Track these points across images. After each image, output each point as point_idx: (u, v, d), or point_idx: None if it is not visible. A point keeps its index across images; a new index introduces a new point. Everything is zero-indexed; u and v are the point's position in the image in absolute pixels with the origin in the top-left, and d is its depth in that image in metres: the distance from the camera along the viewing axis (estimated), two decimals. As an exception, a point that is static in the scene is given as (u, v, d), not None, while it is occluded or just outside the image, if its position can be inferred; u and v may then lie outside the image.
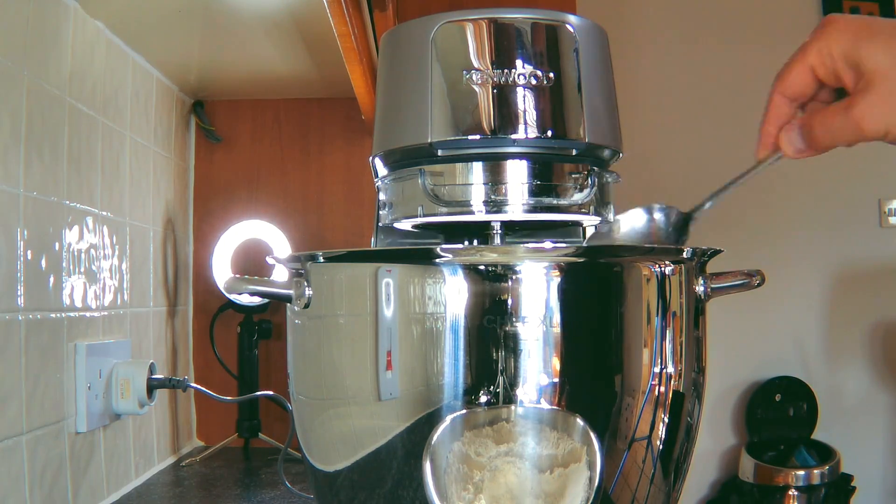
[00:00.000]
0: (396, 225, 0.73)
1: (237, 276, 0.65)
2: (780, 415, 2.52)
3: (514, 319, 0.57)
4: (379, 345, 0.59)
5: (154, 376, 1.18)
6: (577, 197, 0.67)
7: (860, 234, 2.65)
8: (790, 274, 2.62)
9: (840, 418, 2.56)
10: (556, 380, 0.57)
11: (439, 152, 0.67)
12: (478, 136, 0.65)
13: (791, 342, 2.62)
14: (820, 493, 2.29)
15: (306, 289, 0.63)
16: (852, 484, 2.36)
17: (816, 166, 2.63)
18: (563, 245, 0.70)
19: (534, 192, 0.66)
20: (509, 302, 0.57)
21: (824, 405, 2.53)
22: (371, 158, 0.73)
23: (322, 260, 0.63)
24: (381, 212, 0.73)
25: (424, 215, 0.68)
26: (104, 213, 1.14)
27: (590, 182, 0.68)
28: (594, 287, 0.60)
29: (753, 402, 2.55)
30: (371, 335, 0.59)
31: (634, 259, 0.61)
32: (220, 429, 1.52)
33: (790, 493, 2.29)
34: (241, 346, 1.49)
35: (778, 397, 2.53)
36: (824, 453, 2.39)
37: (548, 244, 0.68)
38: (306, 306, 0.63)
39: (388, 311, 0.58)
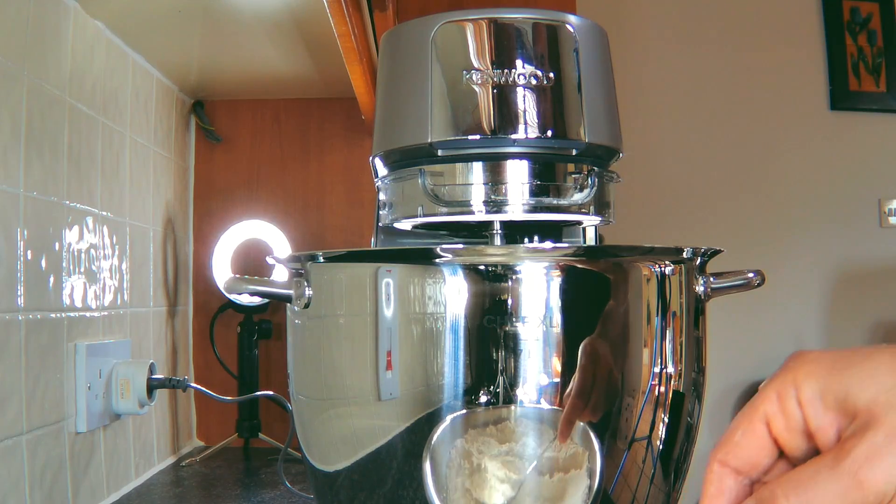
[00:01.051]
0: (396, 225, 0.73)
1: (237, 276, 0.65)
2: (780, 415, 2.51)
3: (514, 319, 0.57)
4: (379, 345, 0.59)
5: (154, 376, 1.17)
6: (578, 197, 0.67)
7: (860, 234, 2.65)
8: (790, 274, 2.62)
9: (840, 418, 2.56)
10: (557, 380, 0.57)
11: (439, 152, 0.67)
12: (478, 136, 0.65)
13: (791, 342, 2.62)
14: (820, 493, 2.29)
15: (306, 289, 0.63)
16: (852, 484, 2.36)
17: (816, 166, 2.63)
18: (563, 245, 0.70)
19: (534, 191, 0.66)
20: (509, 302, 0.57)
21: (824, 405, 2.53)
22: (371, 158, 0.73)
23: (322, 260, 0.63)
24: (381, 212, 0.73)
25: (424, 215, 0.68)
26: (104, 213, 1.14)
27: (590, 182, 0.68)
28: (594, 287, 0.60)
29: (753, 402, 2.55)
30: (371, 335, 0.59)
31: (634, 259, 0.61)
32: (220, 429, 1.52)
33: (790, 493, 2.28)
34: (241, 346, 1.49)
35: (778, 397, 2.53)
36: (824, 453, 2.39)
37: (548, 244, 0.68)
38: (306, 306, 0.63)
39: (388, 311, 0.59)
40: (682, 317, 0.63)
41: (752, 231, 2.60)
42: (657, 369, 0.61)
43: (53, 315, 0.97)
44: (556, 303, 0.57)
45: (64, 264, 1.00)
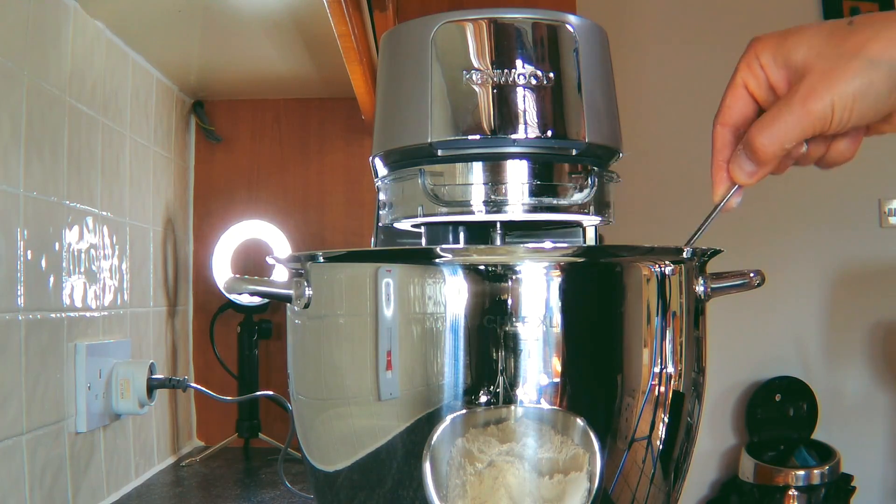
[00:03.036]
0: (396, 225, 0.73)
1: (237, 276, 0.65)
2: (780, 415, 2.52)
3: (514, 319, 0.57)
4: (379, 345, 0.59)
5: (154, 376, 1.18)
6: (577, 197, 0.67)
7: (860, 234, 2.65)
8: (790, 274, 2.62)
9: (840, 418, 2.56)
10: (556, 380, 0.57)
11: (439, 152, 0.66)
12: (478, 136, 0.65)
13: (791, 342, 2.62)
14: (820, 493, 2.29)
15: (306, 289, 0.63)
16: (852, 484, 2.36)
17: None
18: (563, 245, 0.70)
19: (534, 192, 0.66)
20: (509, 302, 0.57)
21: (824, 405, 2.53)
22: (371, 158, 0.73)
23: (322, 260, 0.63)
24: (381, 212, 0.73)
25: (424, 215, 0.67)
26: (104, 213, 1.14)
27: (590, 182, 0.68)
28: (594, 287, 0.60)
29: (753, 402, 2.55)
30: (371, 335, 0.59)
31: (634, 259, 0.60)
32: (220, 429, 1.52)
33: (790, 493, 2.29)
34: (241, 346, 1.49)
35: (778, 397, 2.53)
36: (824, 453, 2.39)
37: (548, 244, 0.68)
38: (306, 306, 0.63)
39: (388, 311, 0.58)
40: (682, 317, 0.63)
41: (752, 231, 2.60)
42: (657, 369, 0.60)
43: (53, 315, 0.97)
44: (556, 303, 0.57)
45: (64, 264, 1.00)
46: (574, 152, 0.67)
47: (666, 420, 0.62)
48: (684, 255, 0.63)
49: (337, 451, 0.64)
